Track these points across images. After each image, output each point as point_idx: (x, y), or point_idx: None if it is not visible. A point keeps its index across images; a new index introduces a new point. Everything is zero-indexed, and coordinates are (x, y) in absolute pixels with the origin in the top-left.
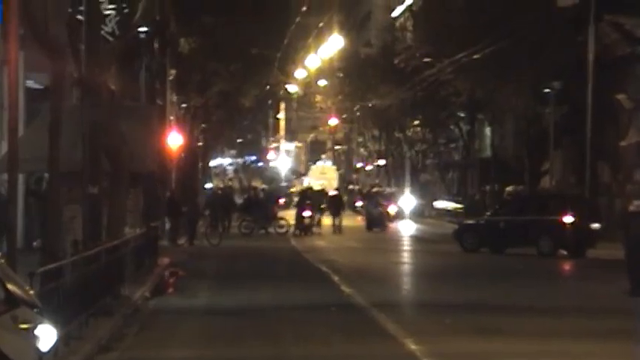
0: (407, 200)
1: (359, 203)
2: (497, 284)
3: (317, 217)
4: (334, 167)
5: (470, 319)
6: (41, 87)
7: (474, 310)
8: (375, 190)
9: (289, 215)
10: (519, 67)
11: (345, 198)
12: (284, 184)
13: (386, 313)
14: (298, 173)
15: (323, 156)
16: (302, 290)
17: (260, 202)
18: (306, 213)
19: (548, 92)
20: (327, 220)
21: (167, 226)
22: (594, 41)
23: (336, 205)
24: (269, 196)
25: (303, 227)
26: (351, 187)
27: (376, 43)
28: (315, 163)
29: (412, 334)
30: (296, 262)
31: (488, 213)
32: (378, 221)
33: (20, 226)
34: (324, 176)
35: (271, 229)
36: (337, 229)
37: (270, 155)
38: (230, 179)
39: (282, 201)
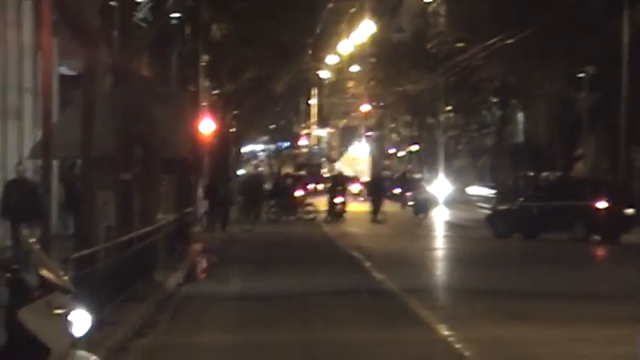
0: (442, 186)
1: (397, 190)
2: (529, 270)
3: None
4: (364, 155)
5: (502, 305)
6: (74, 74)
7: (506, 296)
8: (417, 176)
9: (321, 202)
10: (553, 52)
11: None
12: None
13: (418, 299)
14: (331, 159)
15: (356, 142)
16: (333, 276)
17: (287, 189)
18: (338, 199)
19: (582, 77)
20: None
21: (202, 211)
22: (629, 25)
23: (377, 191)
24: (297, 182)
25: (335, 213)
26: (385, 173)
27: (408, 29)
28: (347, 149)
29: (444, 320)
30: (327, 248)
31: (521, 199)
32: (424, 207)
33: (54, 212)
34: (355, 162)
35: (299, 215)
36: (375, 216)
37: (302, 141)
38: (257, 165)
39: (310, 187)
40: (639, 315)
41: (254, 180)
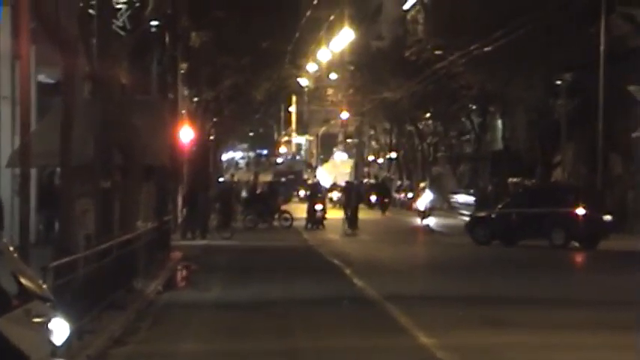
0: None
1: (373, 197)
2: (509, 277)
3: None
4: (349, 160)
5: (482, 312)
6: (53, 81)
7: (486, 303)
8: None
9: (300, 209)
10: (530, 60)
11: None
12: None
13: (398, 306)
14: (310, 166)
15: (335, 149)
16: (314, 283)
17: (263, 196)
18: (318, 206)
19: (560, 84)
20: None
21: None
22: (605, 33)
23: (350, 196)
24: (274, 190)
25: (315, 220)
26: (365, 180)
27: (387, 36)
28: (328, 156)
29: (424, 327)
30: (308, 256)
31: (500, 206)
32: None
33: (32, 221)
34: (336, 170)
35: (276, 223)
36: (351, 223)
37: (282, 149)
38: (232, 174)
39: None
40: (621, 321)
41: (229, 187)
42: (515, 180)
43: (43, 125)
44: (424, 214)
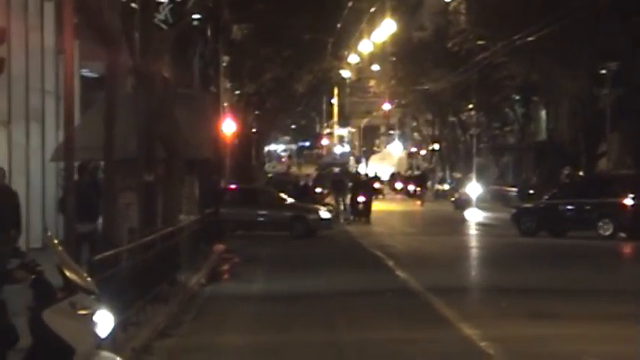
0: (474, 185)
1: (411, 187)
2: (554, 268)
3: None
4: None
5: (526, 303)
6: (96, 76)
7: (531, 294)
8: (457, 175)
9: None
10: (575, 49)
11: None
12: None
13: (442, 298)
14: (358, 159)
15: (377, 140)
16: (357, 275)
17: (305, 189)
18: (360, 198)
19: (604, 73)
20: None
21: None
22: None
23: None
24: (318, 182)
25: (357, 212)
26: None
27: (429, 27)
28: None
29: (468, 319)
30: (350, 248)
31: (547, 196)
32: (461, 203)
33: None
34: (384, 161)
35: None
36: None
37: (324, 141)
38: (274, 166)
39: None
40: None
41: (281, 179)
42: (566, 170)
43: (87, 119)
44: (461, 205)
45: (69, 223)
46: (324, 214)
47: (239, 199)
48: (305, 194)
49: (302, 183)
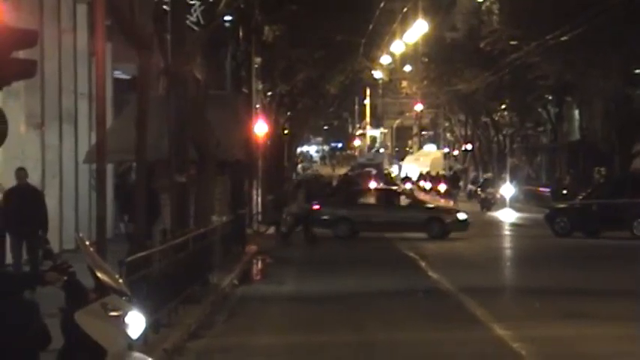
0: (507, 185)
1: (443, 187)
2: (588, 269)
3: None
4: (436, 152)
5: (560, 304)
6: (129, 77)
7: (565, 295)
8: (488, 175)
9: None
10: (608, 49)
11: None
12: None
13: (473, 298)
14: (392, 159)
15: (410, 141)
16: (389, 276)
17: (339, 189)
18: None
19: (638, 73)
20: None
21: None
22: None
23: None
24: (350, 182)
25: None
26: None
27: (462, 27)
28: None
29: (500, 319)
30: (382, 248)
31: (581, 196)
32: (487, 203)
33: (110, 216)
34: (418, 162)
35: None
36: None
37: (356, 141)
38: (305, 168)
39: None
40: None
41: (316, 180)
42: (601, 170)
43: (119, 121)
44: (487, 205)
45: (100, 225)
46: (462, 215)
47: (372, 199)
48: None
49: (335, 183)
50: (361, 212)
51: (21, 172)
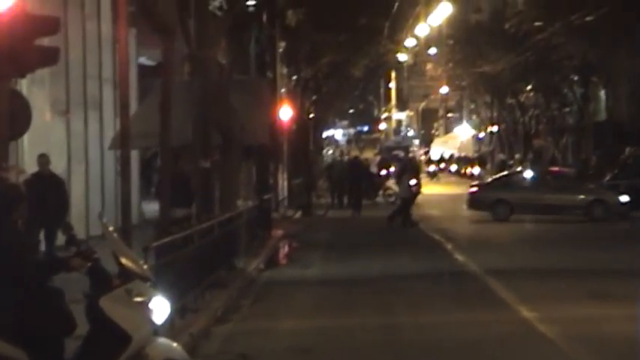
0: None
1: (477, 170)
2: (615, 250)
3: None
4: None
5: (587, 285)
6: (154, 64)
7: (590, 276)
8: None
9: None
10: (633, 28)
11: None
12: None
13: (500, 280)
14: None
15: (435, 124)
16: (414, 259)
17: (369, 172)
18: (412, 181)
19: None
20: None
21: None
22: None
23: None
24: (383, 165)
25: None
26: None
27: (486, 9)
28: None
29: (526, 301)
30: (408, 231)
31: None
32: None
33: (135, 201)
34: (446, 145)
35: (379, 199)
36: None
37: (382, 125)
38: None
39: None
40: None
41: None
42: (632, 149)
43: (144, 107)
44: None
45: (125, 210)
46: (624, 197)
47: (531, 181)
48: (370, 177)
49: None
50: (520, 194)
51: (43, 159)
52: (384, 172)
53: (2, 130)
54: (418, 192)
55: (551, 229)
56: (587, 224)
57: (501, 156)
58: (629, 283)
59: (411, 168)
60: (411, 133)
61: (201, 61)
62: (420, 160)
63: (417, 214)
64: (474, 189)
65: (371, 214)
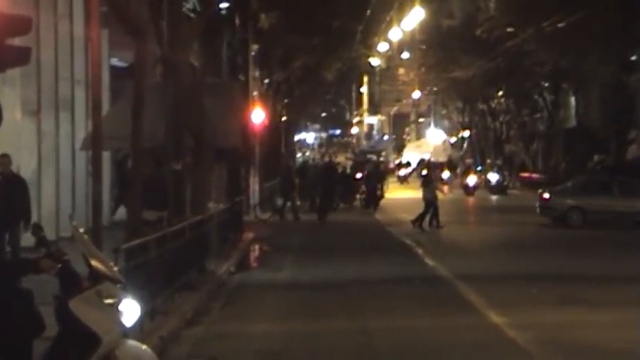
0: (491, 174)
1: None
2: (583, 255)
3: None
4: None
5: (557, 290)
6: (126, 65)
7: (562, 281)
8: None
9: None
10: (604, 36)
11: None
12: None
13: (470, 285)
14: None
15: (407, 129)
16: (385, 263)
17: (345, 176)
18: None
19: (635, 60)
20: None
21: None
22: None
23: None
24: (353, 171)
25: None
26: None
27: (458, 14)
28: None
29: (496, 306)
30: (379, 236)
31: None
32: (496, 189)
33: (106, 203)
34: (419, 149)
35: (356, 203)
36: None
37: (354, 129)
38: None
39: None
40: None
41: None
42: (599, 157)
43: (115, 108)
44: (470, 191)
45: (96, 212)
46: None
47: (605, 187)
48: (346, 180)
49: (340, 170)
50: (594, 201)
51: (5, 159)
52: (359, 175)
53: None
54: (381, 196)
55: (518, 234)
56: (560, 229)
57: (469, 161)
58: (601, 288)
59: (375, 173)
60: (386, 137)
61: (174, 64)
62: (388, 166)
63: (389, 218)
64: (546, 195)
65: (345, 217)
